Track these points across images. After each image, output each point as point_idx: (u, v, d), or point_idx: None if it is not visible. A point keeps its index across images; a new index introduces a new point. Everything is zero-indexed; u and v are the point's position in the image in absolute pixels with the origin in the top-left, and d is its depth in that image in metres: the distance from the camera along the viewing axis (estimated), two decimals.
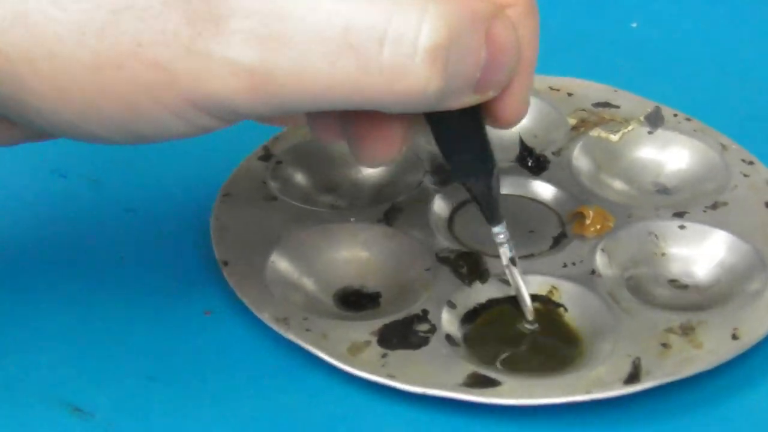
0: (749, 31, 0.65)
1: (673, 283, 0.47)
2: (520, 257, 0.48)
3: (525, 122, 0.55)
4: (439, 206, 0.50)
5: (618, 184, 0.52)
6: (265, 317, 0.44)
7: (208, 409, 0.42)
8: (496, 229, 0.44)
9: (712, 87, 0.59)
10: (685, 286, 0.47)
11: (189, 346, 0.45)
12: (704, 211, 0.49)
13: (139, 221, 0.50)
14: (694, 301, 0.46)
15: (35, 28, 0.36)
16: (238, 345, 0.45)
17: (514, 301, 0.46)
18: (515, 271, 0.45)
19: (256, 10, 0.35)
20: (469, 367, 0.42)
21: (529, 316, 0.45)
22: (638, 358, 0.42)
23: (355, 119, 0.40)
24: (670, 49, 0.62)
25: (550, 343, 0.45)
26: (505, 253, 0.45)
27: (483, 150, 0.42)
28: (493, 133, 0.44)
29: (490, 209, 0.44)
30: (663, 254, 0.48)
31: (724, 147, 0.53)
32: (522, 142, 0.53)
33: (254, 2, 0.35)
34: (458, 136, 0.42)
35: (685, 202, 0.50)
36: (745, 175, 0.51)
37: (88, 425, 0.41)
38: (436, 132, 0.42)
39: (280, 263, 0.47)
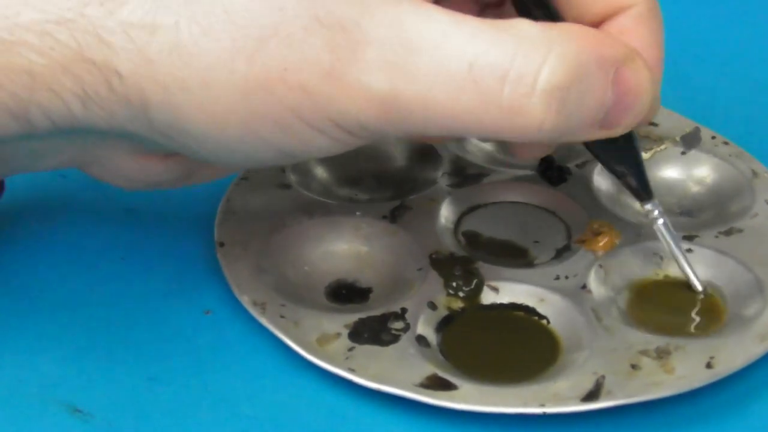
0: (752, 31, 0.63)
1: None
2: (519, 267, 0.47)
3: None
4: (449, 208, 0.50)
5: (638, 203, 0.51)
6: (244, 300, 0.45)
7: (208, 409, 0.42)
8: (648, 206, 0.45)
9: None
10: None
11: (189, 346, 0.45)
12: (716, 237, 0.48)
13: (139, 221, 0.50)
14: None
15: (189, 58, 0.37)
16: (238, 345, 0.45)
17: (497, 308, 0.46)
18: (674, 245, 0.45)
19: (389, 40, 0.37)
20: (431, 369, 0.42)
21: (697, 287, 0.46)
22: (603, 377, 0.42)
23: None
24: (671, 49, 0.61)
25: (526, 353, 0.44)
26: (659, 229, 0.45)
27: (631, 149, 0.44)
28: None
29: (642, 186, 0.45)
30: (665, 276, 0.47)
31: (755, 174, 0.51)
32: None
33: (387, 33, 0.37)
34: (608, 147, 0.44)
35: (700, 225, 0.49)
36: None
37: (88, 425, 0.41)
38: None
39: (277, 250, 0.48)
